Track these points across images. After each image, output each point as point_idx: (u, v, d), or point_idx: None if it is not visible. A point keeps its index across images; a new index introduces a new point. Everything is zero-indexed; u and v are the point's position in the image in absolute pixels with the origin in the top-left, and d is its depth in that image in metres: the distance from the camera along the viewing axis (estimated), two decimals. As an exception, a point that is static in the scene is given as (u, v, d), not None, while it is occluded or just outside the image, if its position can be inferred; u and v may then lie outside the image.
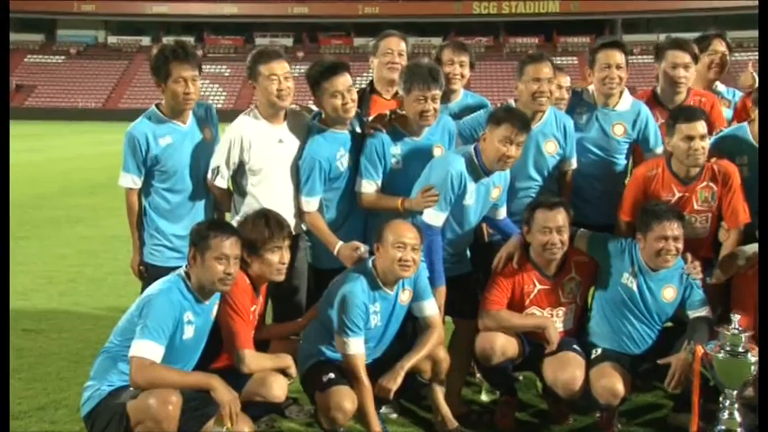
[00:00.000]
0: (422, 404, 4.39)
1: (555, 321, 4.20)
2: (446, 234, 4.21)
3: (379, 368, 3.96)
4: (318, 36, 57.96)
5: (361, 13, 53.71)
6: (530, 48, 42.19)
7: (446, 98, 4.60)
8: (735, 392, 3.63)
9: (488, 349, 4.08)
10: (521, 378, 4.73)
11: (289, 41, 54.94)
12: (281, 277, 3.93)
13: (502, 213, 4.39)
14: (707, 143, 4.15)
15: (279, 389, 3.79)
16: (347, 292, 3.86)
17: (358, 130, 4.39)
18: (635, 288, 4.09)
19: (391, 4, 52.56)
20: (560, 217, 4.03)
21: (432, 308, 4.08)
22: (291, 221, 4.23)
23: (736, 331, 3.60)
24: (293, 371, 3.90)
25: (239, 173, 4.28)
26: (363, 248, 4.10)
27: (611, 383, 3.92)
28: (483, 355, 4.13)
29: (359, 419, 3.92)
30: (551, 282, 4.17)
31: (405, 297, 4.05)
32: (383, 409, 4.20)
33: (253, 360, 3.76)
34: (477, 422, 4.29)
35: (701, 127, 4.10)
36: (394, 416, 4.37)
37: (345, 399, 3.75)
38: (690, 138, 4.08)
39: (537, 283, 4.17)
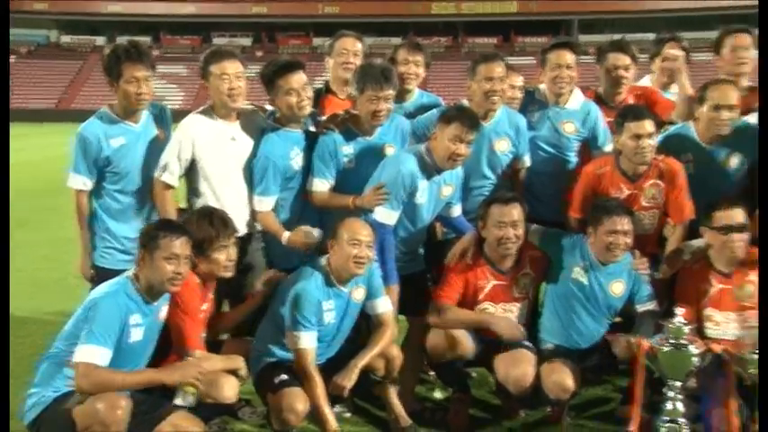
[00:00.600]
0: (375, 402, 4.40)
1: (508, 317, 4.24)
2: (399, 232, 4.25)
3: (332, 367, 3.97)
4: (277, 36, 57.61)
5: (321, 12, 53.55)
6: (488, 47, 42.57)
7: (401, 97, 4.66)
8: (678, 384, 3.73)
9: (439, 346, 4.12)
10: (474, 375, 4.77)
11: (247, 41, 54.61)
12: (230, 273, 3.94)
13: (456, 211, 4.43)
14: (654, 141, 4.25)
15: (230, 390, 3.78)
16: (300, 289, 3.87)
17: (312, 129, 4.40)
18: (585, 282, 4.19)
19: (351, 3, 52.55)
20: (515, 212, 4.10)
21: (384, 306, 4.11)
22: (245, 220, 4.22)
23: (679, 324, 3.69)
24: (244, 372, 3.89)
25: (192, 172, 4.26)
26: (316, 233, 4.11)
27: (561, 379, 3.99)
28: (434, 353, 4.17)
29: (312, 418, 3.92)
30: (505, 277, 4.23)
31: (358, 295, 4.07)
32: (336, 408, 4.20)
33: (203, 361, 3.73)
34: (430, 419, 4.34)
35: (648, 125, 4.21)
36: (348, 414, 4.40)
37: (297, 400, 3.76)
38: (638, 136, 4.18)
39: (491, 279, 4.23)
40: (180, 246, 3.56)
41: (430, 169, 4.17)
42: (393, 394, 4.16)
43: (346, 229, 3.89)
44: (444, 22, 48.08)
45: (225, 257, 3.87)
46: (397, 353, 4.12)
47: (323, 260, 4.00)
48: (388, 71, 4.25)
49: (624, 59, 4.75)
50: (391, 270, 4.17)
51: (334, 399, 4.03)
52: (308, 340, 3.85)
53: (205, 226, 3.82)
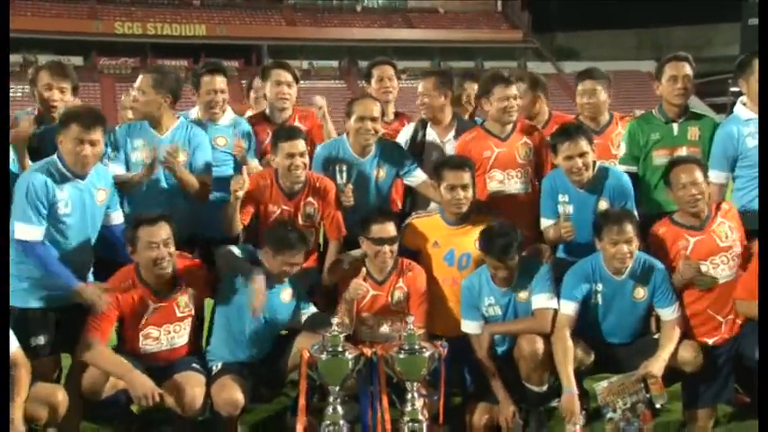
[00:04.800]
0: None
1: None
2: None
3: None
4: None
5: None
6: (180, 69, 41.96)
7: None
8: (337, 388, 4.06)
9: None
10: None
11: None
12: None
13: (114, 218, 4.39)
14: (306, 160, 4.59)
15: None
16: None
17: None
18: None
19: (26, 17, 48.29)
20: (162, 231, 4.09)
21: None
22: None
23: (335, 332, 4.02)
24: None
25: None
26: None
27: (230, 395, 4.05)
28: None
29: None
30: (165, 301, 4.19)
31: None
32: None
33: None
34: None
35: (300, 145, 4.52)
36: None
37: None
38: (291, 155, 4.47)
39: (151, 303, 4.15)
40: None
41: (64, 176, 4.06)
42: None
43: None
44: (131, 43, 46.31)
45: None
46: None
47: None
48: None
49: (286, 76, 5.15)
50: (68, 278, 4.02)
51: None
52: None
53: None
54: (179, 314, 4.24)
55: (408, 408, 4.14)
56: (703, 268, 4.31)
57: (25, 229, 3.94)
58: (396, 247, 4.48)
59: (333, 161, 4.79)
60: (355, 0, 50.92)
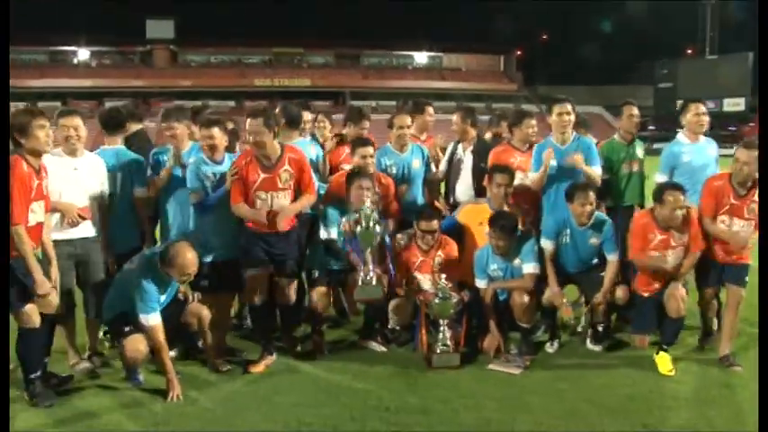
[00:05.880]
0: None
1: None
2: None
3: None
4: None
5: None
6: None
7: None
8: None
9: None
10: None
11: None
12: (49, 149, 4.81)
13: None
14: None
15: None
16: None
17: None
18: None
19: None
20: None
21: None
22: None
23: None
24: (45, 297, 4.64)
25: None
26: None
27: None
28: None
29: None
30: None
31: None
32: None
33: (22, 239, 4.46)
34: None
35: (370, 150, 6.20)
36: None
37: (141, 344, 4.98)
38: (363, 157, 6.08)
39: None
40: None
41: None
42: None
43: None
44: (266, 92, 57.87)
45: (44, 135, 4.66)
46: None
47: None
48: None
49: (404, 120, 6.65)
50: None
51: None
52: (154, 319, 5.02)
53: (21, 114, 4.68)
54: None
55: (440, 336, 5.56)
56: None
57: None
58: (437, 234, 5.92)
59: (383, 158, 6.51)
60: (408, 61, 73.00)
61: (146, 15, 64.03)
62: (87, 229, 5.30)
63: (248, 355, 5.70)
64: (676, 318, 5.49)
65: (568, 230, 5.87)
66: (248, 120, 5.34)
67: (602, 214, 6.02)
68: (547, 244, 5.91)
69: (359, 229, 5.52)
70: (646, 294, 5.76)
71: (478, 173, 6.56)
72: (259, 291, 5.46)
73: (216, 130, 5.55)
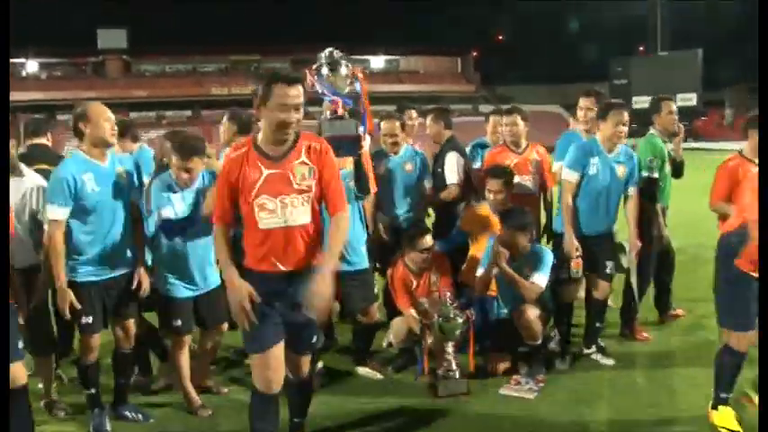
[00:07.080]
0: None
1: None
2: None
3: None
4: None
5: None
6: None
7: None
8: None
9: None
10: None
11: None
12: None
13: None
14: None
15: None
16: None
17: None
18: None
19: None
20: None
21: None
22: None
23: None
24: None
25: None
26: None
27: None
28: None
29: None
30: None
31: None
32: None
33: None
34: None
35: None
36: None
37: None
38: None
39: None
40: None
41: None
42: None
43: None
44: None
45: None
46: None
47: None
48: None
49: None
50: None
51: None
52: None
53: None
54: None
55: (445, 361, 5.24)
56: None
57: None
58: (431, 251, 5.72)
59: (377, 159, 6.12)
60: (365, 65, 67.64)
61: (97, 25, 63.08)
62: None
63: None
64: None
65: (597, 159, 5.62)
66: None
67: (626, 146, 5.74)
68: (570, 175, 5.65)
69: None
70: (755, 275, 4.09)
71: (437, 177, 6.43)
72: (273, 378, 3.69)
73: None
